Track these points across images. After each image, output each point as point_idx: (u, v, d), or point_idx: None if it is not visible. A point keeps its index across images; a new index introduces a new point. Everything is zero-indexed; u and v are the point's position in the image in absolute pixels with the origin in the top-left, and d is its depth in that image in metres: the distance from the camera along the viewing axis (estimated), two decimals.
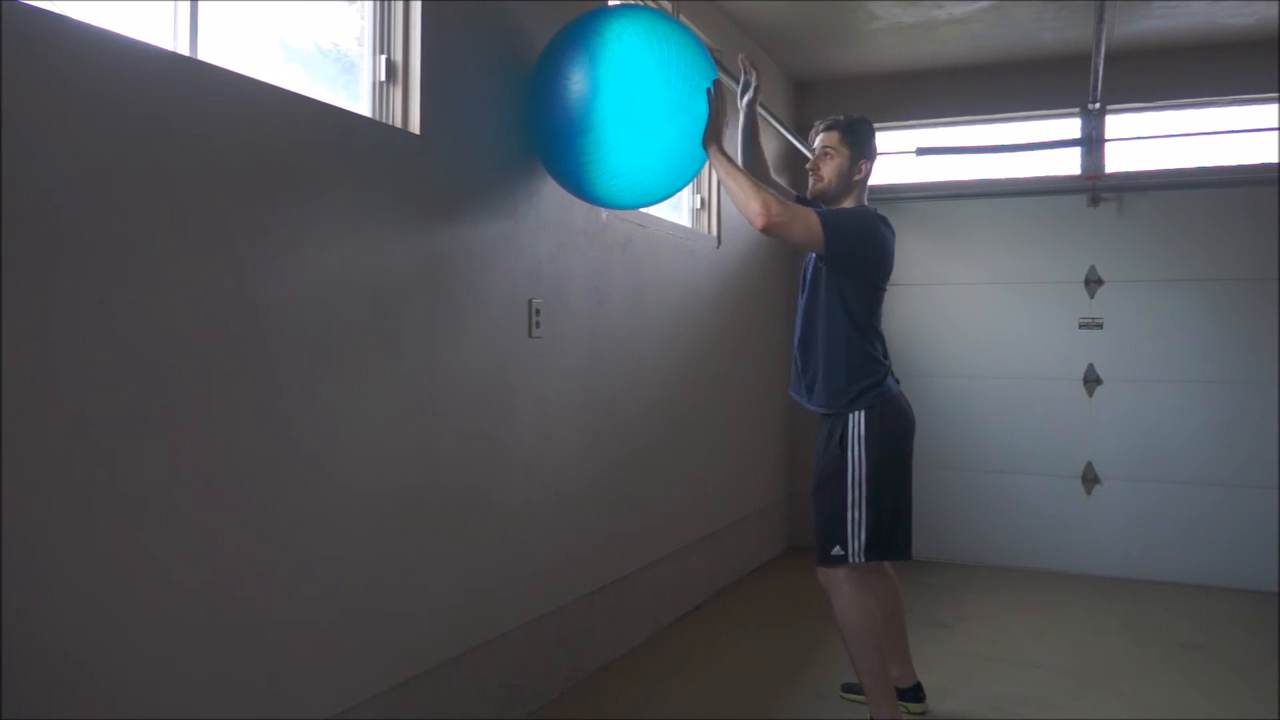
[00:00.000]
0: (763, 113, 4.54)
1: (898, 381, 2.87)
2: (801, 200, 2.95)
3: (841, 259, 2.72)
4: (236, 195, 1.95)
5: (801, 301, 2.90)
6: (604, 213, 3.39)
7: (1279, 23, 4.51)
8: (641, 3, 3.73)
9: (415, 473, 2.47)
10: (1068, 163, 5.19)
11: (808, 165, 2.91)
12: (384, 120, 2.46)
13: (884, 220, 2.83)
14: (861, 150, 2.83)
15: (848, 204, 2.86)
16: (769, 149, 5.18)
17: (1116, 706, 3.17)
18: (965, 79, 5.30)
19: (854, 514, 2.72)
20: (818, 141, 2.88)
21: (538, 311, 2.99)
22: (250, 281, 1.98)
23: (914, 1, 4.35)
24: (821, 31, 4.80)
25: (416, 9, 2.49)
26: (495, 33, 2.80)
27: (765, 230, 2.63)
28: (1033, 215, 5.21)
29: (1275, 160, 4.80)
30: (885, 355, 2.83)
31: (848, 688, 3.21)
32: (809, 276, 2.87)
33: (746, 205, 2.63)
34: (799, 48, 5.05)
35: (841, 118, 2.86)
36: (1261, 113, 4.91)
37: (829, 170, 2.83)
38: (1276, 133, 4.84)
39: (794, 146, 5.05)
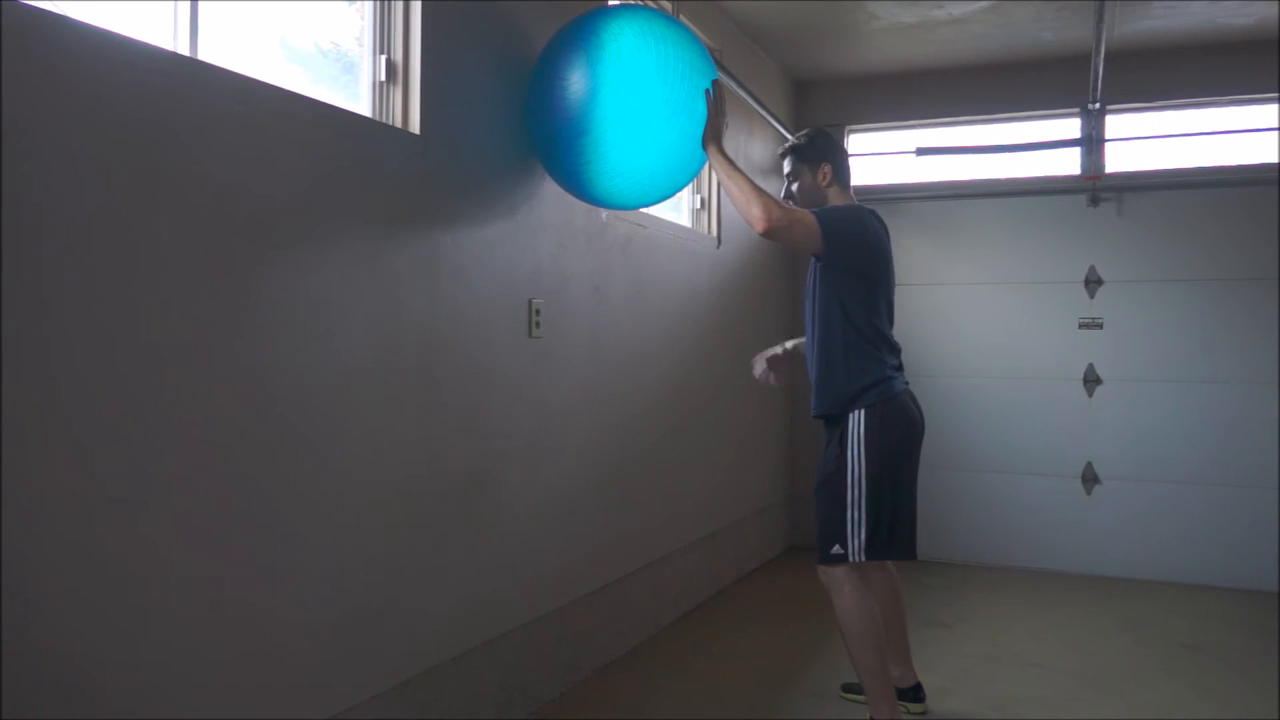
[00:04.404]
0: (763, 112, 4.55)
1: (907, 382, 2.88)
2: None
3: (839, 256, 2.75)
4: (236, 194, 1.95)
5: (805, 310, 2.94)
6: (604, 213, 3.39)
7: (1279, 23, 4.51)
8: (641, 2, 3.73)
9: (415, 473, 2.47)
10: (1068, 163, 5.19)
11: (783, 194, 3.02)
12: (384, 120, 2.46)
13: (874, 214, 2.91)
14: (816, 157, 2.94)
15: (835, 203, 2.93)
16: (768, 148, 5.19)
17: (1116, 707, 3.17)
18: (965, 79, 5.30)
19: (853, 513, 2.72)
20: (784, 171, 3.03)
21: (538, 311, 2.99)
22: (249, 280, 1.98)
23: (914, 1, 4.35)
24: (821, 31, 4.80)
25: (416, 9, 2.49)
26: (495, 33, 2.81)
27: (766, 234, 2.65)
28: (1033, 215, 5.21)
29: (1275, 160, 4.80)
30: (891, 354, 2.83)
31: (848, 687, 3.21)
32: (810, 284, 2.90)
33: (747, 210, 2.65)
34: (799, 48, 5.05)
35: (789, 141, 3.04)
36: (1261, 113, 4.91)
37: (799, 191, 2.98)
38: (1276, 133, 4.84)
39: None
